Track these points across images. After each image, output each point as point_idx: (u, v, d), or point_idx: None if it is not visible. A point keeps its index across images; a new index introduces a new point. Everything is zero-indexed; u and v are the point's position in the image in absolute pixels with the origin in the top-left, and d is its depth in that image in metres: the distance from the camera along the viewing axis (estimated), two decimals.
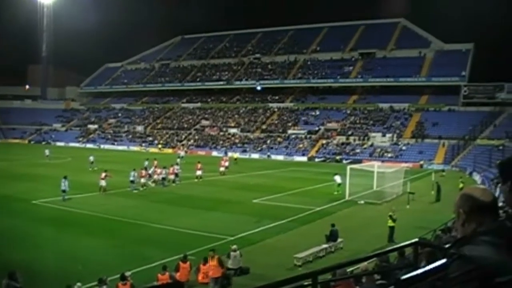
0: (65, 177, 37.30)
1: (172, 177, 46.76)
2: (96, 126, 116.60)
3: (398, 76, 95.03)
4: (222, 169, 54.65)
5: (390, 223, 25.81)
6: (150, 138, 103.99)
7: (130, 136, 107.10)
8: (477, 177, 55.34)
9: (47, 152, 70.26)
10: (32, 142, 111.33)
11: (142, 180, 43.94)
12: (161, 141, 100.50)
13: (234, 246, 20.92)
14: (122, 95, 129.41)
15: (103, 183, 40.99)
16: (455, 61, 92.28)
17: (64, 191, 36.70)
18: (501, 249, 2.54)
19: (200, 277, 19.19)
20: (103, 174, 41.49)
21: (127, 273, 17.31)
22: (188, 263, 19.12)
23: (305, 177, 53.59)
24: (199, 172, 50.38)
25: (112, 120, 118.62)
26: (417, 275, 3.25)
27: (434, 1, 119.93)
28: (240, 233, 26.77)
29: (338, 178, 43.02)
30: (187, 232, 27.32)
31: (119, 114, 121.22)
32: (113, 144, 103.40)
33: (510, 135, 69.73)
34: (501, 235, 2.62)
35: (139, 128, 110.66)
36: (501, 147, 65.45)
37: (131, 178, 42.58)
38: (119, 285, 16.46)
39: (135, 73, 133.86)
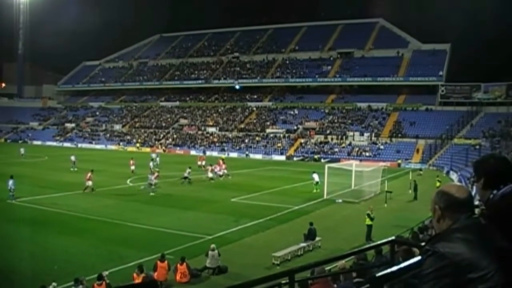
0: (11, 177, 37.03)
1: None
2: (73, 124, 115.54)
3: (376, 76, 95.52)
4: (220, 172, 52.18)
5: (368, 221, 25.91)
6: (128, 137, 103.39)
7: (108, 135, 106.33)
8: (454, 176, 55.81)
9: (22, 150, 69.62)
10: (8, 141, 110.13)
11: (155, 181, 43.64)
12: (139, 140, 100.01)
13: (213, 245, 20.86)
14: (99, 93, 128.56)
15: (89, 183, 40.62)
16: (433, 61, 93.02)
17: (10, 190, 36.46)
18: (474, 246, 2.56)
19: (178, 277, 19.17)
20: (89, 174, 41.13)
21: (105, 273, 17.20)
22: (165, 262, 19.06)
23: (283, 176, 53.66)
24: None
25: (89, 119, 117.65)
26: (392, 272, 3.24)
27: (412, 1, 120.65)
28: (218, 232, 26.72)
29: (316, 177, 43.20)
30: (165, 231, 27.20)
31: (97, 113, 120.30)
32: (90, 143, 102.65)
33: (487, 134, 70.43)
34: (474, 232, 2.64)
35: (117, 127, 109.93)
36: (477, 147, 66.06)
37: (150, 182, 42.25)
38: (94, 285, 16.36)
39: (113, 72, 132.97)
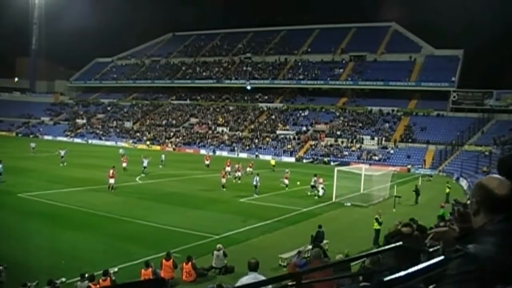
0: None
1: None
2: (84, 120, 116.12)
3: (388, 80, 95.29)
4: (238, 173, 51.68)
5: (376, 226, 25.81)
6: (138, 134, 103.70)
7: (118, 132, 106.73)
8: (463, 183, 55.53)
9: (32, 145, 69.84)
10: (19, 135, 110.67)
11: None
12: (149, 138, 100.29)
13: (219, 245, 20.85)
14: (111, 90, 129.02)
15: (111, 181, 40.42)
16: (445, 66, 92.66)
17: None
18: (509, 254, 2.38)
19: (183, 276, 19.18)
20: (111, 172, 41.08)
21: (113, 270, 17.25)
22: (171, 260, 19.07)
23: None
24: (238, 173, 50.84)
25: (100, 115, 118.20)
26: (399, 277, 3.23)
27: (426, 6, 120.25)
28: (225, 232, 26.70)
29: (313, 180, 43.25)
30: (172, 229, 27.18)
31: (108, 109, 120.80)
32: (100, 139, 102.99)
33: (498, 142, 70.03)
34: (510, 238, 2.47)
35: (128, 124, 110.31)
36: (487, 154, 65.74)
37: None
38: (99, 281, 16.40)
39: (125, 69, 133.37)
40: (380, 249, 7.08)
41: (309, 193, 42.50)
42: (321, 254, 9.86)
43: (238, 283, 9.57)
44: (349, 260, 7.02)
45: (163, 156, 63.41)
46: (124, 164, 51.71)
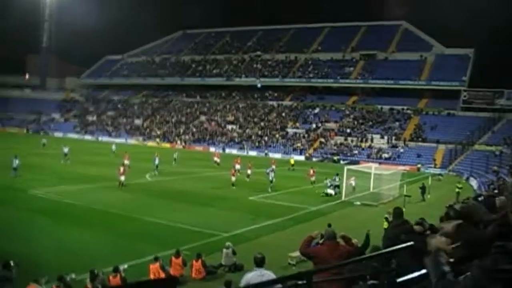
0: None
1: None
2: (94, 117, 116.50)
3: (398, 79, 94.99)
4: (248, 171, 51.00)
5: (386, 225, 25.72)
6: (148, 132, 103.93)
7: (128, 129, 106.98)
8: (473, 183, 55.30)
9: (43, 141, 70.08)
10: (30, 132, 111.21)
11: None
12: (159, 135, 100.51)
13: (228, 243, 20.91)
14: (121, 87, 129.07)
15: (122, 178, 40.49)
16: (456, 65, 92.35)
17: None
18: None
19: (193, 273, 19.23)
20: (122, 169, 41.16)
21: (123, 266, 17.32)
22: (180, 258, 19.13)
23: (302, 176, 53.50)
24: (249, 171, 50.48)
25: (110, 113, 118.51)
26: (412, 278, 3.22)
27: (436, 5, 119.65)
28: (235, 230, 26.77)
29: (337, 179, 43.10)
30: (182, 227, 27.27)
31: (118, 106, 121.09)
32: (110, 136, 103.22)
33: (508, 141, 69.70)
34: None
35: (138, 121, 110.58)
36: (498, 153, 65.46)
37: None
38: (110, 278, 16.47)
39: (135, 66, 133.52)
40: (391, 248, 7.06)
41: (317, 191, 42.50)
42: (335, 234, 9.80)
43: (244, 280, 9.54)
44: (361, 259, 7.01)
45: (175, 154, 63.50)
46: (126, 161, 50.25)
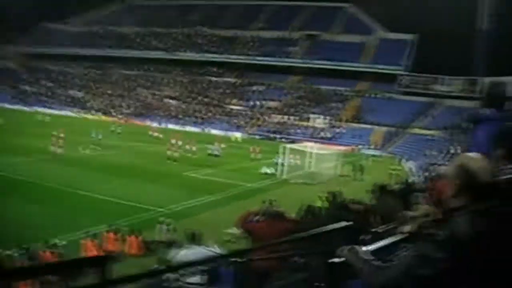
0: None
1: None
2: (31, 88, 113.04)
3: (340, 60, 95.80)
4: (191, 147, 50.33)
5: (321, 204, 26.01)
6: (88, 104, 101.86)
7: (67, 100, 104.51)
8: (408, 165, 56.40)
9: None
10: None
11: None
12: (98, 108, 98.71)
13: (167, 219, 20.81)
14: (60, 57, 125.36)
15: (58, 150, 40.06)
16: (397, 50, 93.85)
17: None
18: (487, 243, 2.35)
19: (129, 249, 19.06)
20: (57, 141, 40.41)
21: (58, 242, 17.00)
22: (116, 233, 18.92)
23: (241, 154, 53.62)
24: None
25: (48, 83, 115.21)
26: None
27: None
28: (173, 206, 26.65)
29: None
30: (119, 202, 26.94)
31: (56, 77, 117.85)
32: (48, 107, 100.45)
33: (444, 126, 71.38)
34: (484, 225, 2.42)
35: (77, 93, 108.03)
36: (434, 138, 67.02)
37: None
38: (44, 253, 16.12)
39: (75, 36, 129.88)
40: (328, 228, 7.04)
41: (255, 170, 42.64)
42: (275, 212, 9.84)
43: (178, 256, 9.44)
44: (296, 239, 6.96)
45: (116, 127, 62.66)
46: (62, 134, 48.63)
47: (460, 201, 2.58)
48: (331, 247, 7.50)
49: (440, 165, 38.74)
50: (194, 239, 10.06)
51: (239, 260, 4.91)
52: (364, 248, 3.06)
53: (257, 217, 9.69)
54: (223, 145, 53.71)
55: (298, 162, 43.81)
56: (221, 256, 6.01)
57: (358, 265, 2.81)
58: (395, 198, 11.55)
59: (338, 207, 10.75)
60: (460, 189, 2.61)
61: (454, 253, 2.33)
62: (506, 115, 5.26)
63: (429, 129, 73.34)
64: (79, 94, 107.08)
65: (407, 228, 3.57)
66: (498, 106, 5.27)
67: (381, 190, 13.55)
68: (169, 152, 44.81)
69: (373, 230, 6.94)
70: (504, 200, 2.56)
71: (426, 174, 35.30)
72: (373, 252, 3.15)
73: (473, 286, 2.35)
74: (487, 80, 52.77)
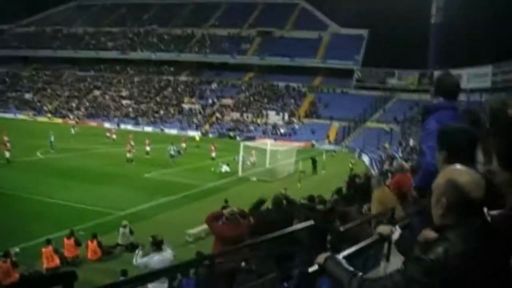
0: None
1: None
2: None
3: (294, 56, 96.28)
4: (147, 148, 50.50)
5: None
6: (39, 106, 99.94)
7: (18, 103, 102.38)
8: (365, 158, 57.03)
9: None
10: None
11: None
12: (50, 110, 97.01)
13: (125, 222, 20.56)
14: (9, 59, 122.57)
15: (7, 154, 39.24)
16: (350, 45, 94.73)
17: None
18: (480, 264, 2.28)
19: (89, 254, 18.77)
20: (4, 145, 39.63)
21: (15, 250, 16.62)
22: (72, 239, 18.59)
23: (198, 153, 53.43)
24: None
25: None
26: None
27: None
28: (131, 208, 26.36)
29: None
30: (76, 206, 26.51)
31: (6, 80, 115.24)
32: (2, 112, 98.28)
33: (398, 119, 72.37)
34: (480, 243, 2.33)
35: (28, 95, 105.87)
36: (388, 130, 67.86)
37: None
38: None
39: (24, 37, 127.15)
40: (293, 228, 7.04)
41: (212, 169, 42.52)
42: (235, 214, 9.90)
43: (146, 263, 9.38)
44: (261, 241, 6.94)
45: (72, 129, 61.79)
46: (6, 138, 44.35)
47: (450, 220, 2.49)
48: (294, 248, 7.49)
49: (397, 158, 39.16)
50: (158, 245, 10.07)
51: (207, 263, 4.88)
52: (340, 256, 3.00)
53: (222, 219, 9.73)
54: (183, 145, 53.39)
55: (256, 159, 43.95)
56: (188, 263, 5.94)
57: (343, 279, 2.68)
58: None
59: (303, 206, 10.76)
60: (448, 207, 2.48)
61: (443, 279, 2.26)
62: (456, 105, 5.30)
63: (383, 123, 74.15)
64: (31, 97, 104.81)
65: (383, 229, 3.51)
66: (448, 96, 5.29)
67: (352, 180, 13.82)
68: (127, 154, 44.25)
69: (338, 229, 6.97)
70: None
71: (386, 167, 35.58)
72: (346, 258, 3.11)
73: None
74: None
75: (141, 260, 11.42)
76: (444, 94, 5.30)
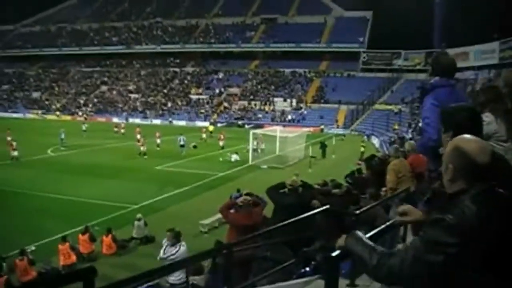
0: None
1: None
2: None
3: (299, 42, 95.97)
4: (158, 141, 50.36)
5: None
6: (47, 104, 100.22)
7: (26, 103, 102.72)
8: (375, 141, 56.91)
9: None
10: None
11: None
12: (58, 108, 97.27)
13: (139, 215, 20.56)
14: (15, 59, 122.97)
15: (15, 153, 39.48)
16: (355, 28, 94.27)
17: None
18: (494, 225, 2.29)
19: (104, 249, 18.82)
20: (12, 144, 40.17)
21: (31, 248, 16.70)
22: (87, 234, 18.63)
23: (208, 143, 53.44)
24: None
25: (5, 86, 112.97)
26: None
27: None
28: (144, 201, 26.35)
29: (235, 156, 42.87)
30: (89, 202, 26.50)
31: (13, 80, 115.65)
32: (6, 111, 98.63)
33: (406, 100, 72.10)
34: (491, 205, 2.36)
35: (35, 94, 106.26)
36: (397, 112, 67.65)
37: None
38: (16, 261, 15.81)
39: (29, 36, 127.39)
40: (308, 214, 7.02)
41: (221, 159, 42.54)
42: (249, 202, 10.04)
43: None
44: (275, 227, 6.91)
45: (83, 126, 61.98)
46: (9, 138, 46.64)
47: (459, 185, 2.50)
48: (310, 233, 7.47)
49: (409, 139, 39.01)
50: (177, 237, 10.22)
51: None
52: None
53: (235, 208, 9.86)
54: (203, 135, 53.63)
55: (266, 146, 43.94)
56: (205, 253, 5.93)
57: (364, 254, 2.65)
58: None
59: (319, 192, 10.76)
60: (456, 173, 2.50)
61: (464, 238, 2.25)
62: (453, 83, 5.36)
63: (391, 104, 73.86)
64: (38, 96, 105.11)
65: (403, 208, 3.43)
66: (445, 74, 5.34)
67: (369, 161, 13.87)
68: (141, 148, 44.23)
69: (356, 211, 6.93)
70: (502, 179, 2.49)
71: (396, 146, 35.45)
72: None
73: (482, 271, 2.26)
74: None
75: (170, 252, 11.68)
76: (441, 72, 5.36)
